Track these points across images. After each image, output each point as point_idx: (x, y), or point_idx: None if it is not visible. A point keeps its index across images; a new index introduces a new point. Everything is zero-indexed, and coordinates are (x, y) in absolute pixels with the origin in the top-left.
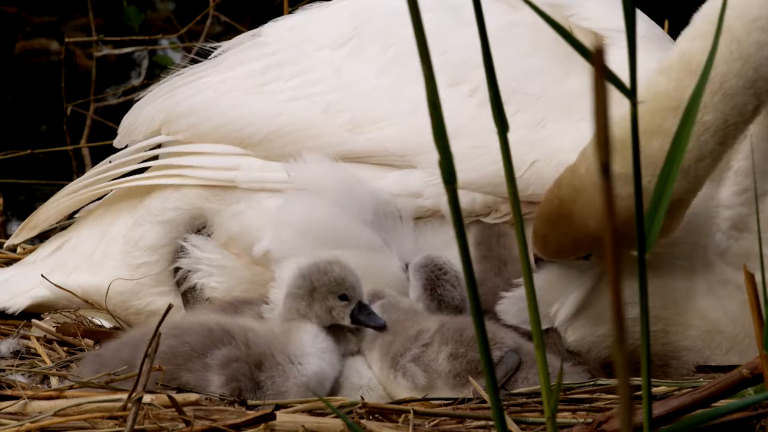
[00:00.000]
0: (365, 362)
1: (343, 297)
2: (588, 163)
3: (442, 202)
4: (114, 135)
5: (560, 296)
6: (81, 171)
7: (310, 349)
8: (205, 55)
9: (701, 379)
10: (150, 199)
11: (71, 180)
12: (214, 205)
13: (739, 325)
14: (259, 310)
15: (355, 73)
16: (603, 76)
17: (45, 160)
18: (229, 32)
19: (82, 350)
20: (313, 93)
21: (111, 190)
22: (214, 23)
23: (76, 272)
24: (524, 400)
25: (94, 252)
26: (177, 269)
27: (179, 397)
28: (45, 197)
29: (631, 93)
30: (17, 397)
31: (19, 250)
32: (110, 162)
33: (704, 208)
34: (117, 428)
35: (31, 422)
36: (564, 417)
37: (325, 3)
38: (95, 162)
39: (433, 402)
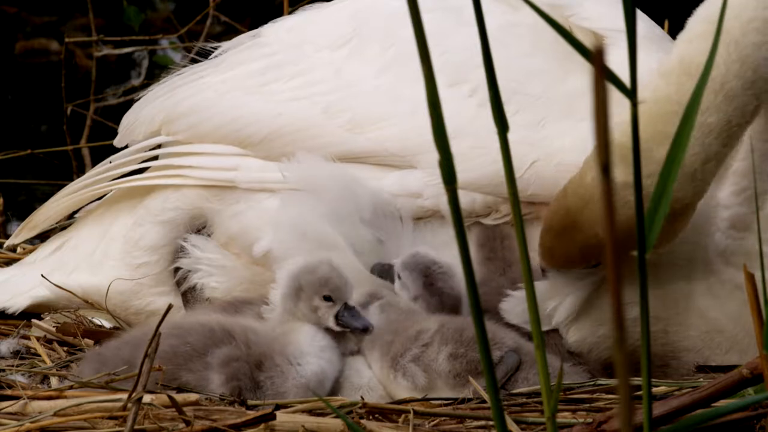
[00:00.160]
0: (365, 362)
1: (328, 298)
2: (594, 172)
3: (442, 202)
4: (114, 135)
5: (561, 296)
6: (81, 171)
7: (309, 349)
8: (205, 55)
9: (701, 379)
10: (150, 199)
11: (71, 180)
12: (214, 205)
13: (738, 325)
14: (259, 310)
15: (355, 74)
16: (603, 76)
17: (45, 160)
18: (229, 32)
19: (82, 350)
20: (313, 93)
21: (111, 190)
22: (214, 23)
23: (76, 272)
24: (524, 400)
25: (94, 252)
26: (177, 269)
27: (179, 397)
28: (45, 197)
29: (631, 93)
30: (17, 397)
31: (19, 250)
32: (110, 162)
33: (704, 208)
34: (117, 428)
35: (31, 422)
36: (564, 417)
37: (325, 3)
38: (95, 162)
39: (433, 402)
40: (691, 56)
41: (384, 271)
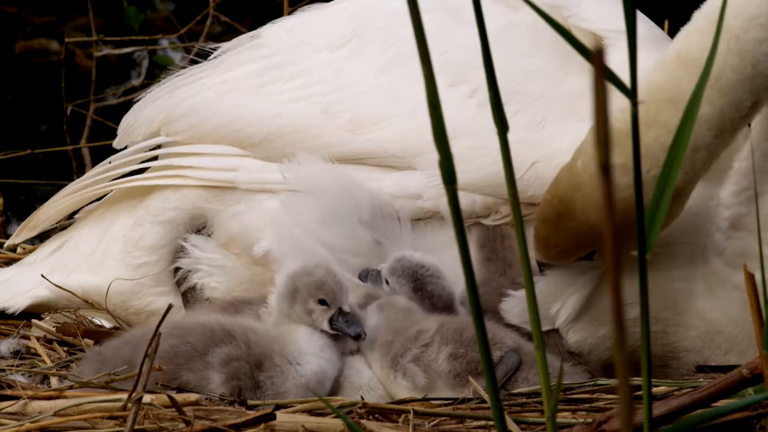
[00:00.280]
0: (365, 361)
1: (323, 302)
2: (584, 157)
3: (442, 203)
4: (114, 135)
5: (562, 297)
6: (81, 171)
7: (308, 348)
8: (204, 55)
9: (701, 379)
10: (150, 200)
11: (71, 180)
12: (214, 205)
13: (738, 326)
14: (259, 310)
15: (355, 74)
16: (603, 76)
17: (45, 160)
18: (229, 32)
19: (82, 350)
20: (312, 94)
21: (111, 191)
22: (214, 23)
23: (76, 272)
24: (524, 400)
25: (94, 252)
26: (177, 269)
27: (179, 397)
28: (45, 197)
29: (631, 93)
30: (17, 397)
31: (19, 250)
32: (110, 162)
33: (704, 208)
34: (117, 428)
35: (31, 422)
36: (564, 417)
37: (325, 4)
38: (95, 162)
39: (433, 402)
40: (689, 50)
41: (371, 278)
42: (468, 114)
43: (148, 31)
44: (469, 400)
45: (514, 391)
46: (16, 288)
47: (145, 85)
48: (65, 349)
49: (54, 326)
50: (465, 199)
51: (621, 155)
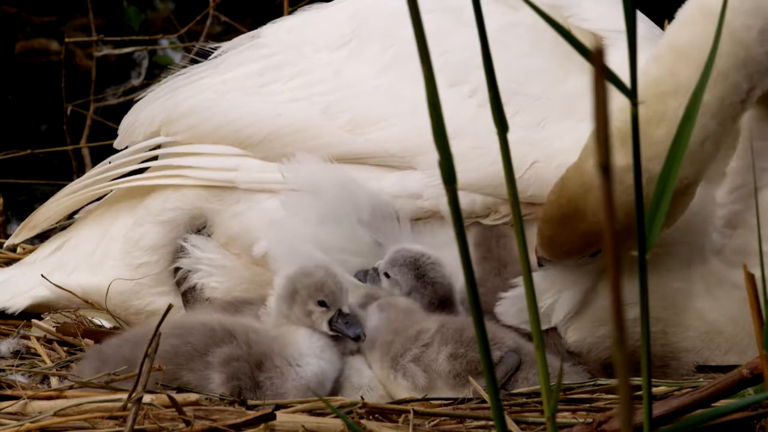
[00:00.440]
0: (365, 362)
1: (323, 303)
2: (594, 159)
3: (442, 203)
4: (114, 135)
5: (552, 292)
6: (81, 171)
7: (308, 350)
8: (204, 55)
9: (701, 379)
10: (150, 199)
11: (71, 180)
12: (215, 205)
13: (738, 325)
14: (259, 310)
15: (355, 74)
16: (603, 76)
17: (45, 160)
18: (229, 32)
19: (82, 350)
20: (312, 94)
21: (111, 191)
22: (214, 23)
23: (76, 272)
24: (524, 400)
25: (94, 252)
26: (177, 269)
27: (179, 397)
28: (45, 197)
29: (631, 93)
30: (17, 397)
31: (19, 250)
32: (110, 162)
33: (701, 208)
34: (117, 428)
35: (31, 422)
36: (564, 417)
37: (325, 4)
38: (95, 162)
39: (433, 402)
40: (681, 39)
41: (368, 277)
42: (468, 114)
43: (148, 31)
44: (469, 400)
45: (514, 391)
46: (16, 288)
47: (145, 85)
48: (65, 349)
49: (54, 326)
50: (465, 199)
51: (625, 156)
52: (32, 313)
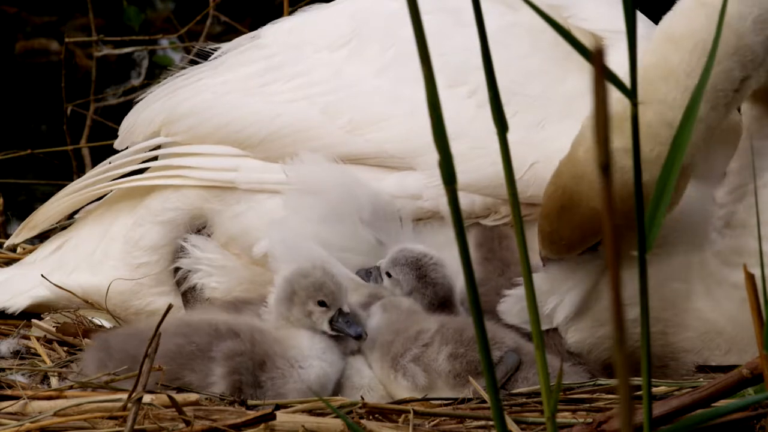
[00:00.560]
0: (366, 362)
1: (322, 303)
2: (586, 145)
3: (442, 203)
4: (114, 135)
5: (557, 294)
6: (81, 171)
7: (310, 352)
8: (204, 55)
9: (701, 379)
10: (150, 200)
11: (71, 180)
12: (215, 205)
13: (738, 326)
14: (259, 310)
15: (355, 74)
16: (603, 76)
17: (45, 160)
18: (229, 32)
19: (82, 350)
20: (312, 94)
21: (111, 191)
22: (214, 23)
23: (76, 272)
24: (524, 400)
25: (94, 252)
26: (177, 269)
27: (179, 397)
28: (45, 197)
29: (631, 93)
30: (17, 397)
31: (19, 250)
32: (110, 162)
33: (700, 209)
34: (117, 428)
35: (31, 422)
36: (564, 417)
37: (325, 4)
38: (95, 162)
39: (433, 402)
40: (673, 28)
41: (369, 276)
42: (467, 114)
43: (148, 31)
44: (469, 400)
45: (514, 391)
46: (16, 288)
47: (145, 85)
48: (65, 349)
49: (54, 326)
50: (464, 200)
51: (621, 138)
52: (32, 313)
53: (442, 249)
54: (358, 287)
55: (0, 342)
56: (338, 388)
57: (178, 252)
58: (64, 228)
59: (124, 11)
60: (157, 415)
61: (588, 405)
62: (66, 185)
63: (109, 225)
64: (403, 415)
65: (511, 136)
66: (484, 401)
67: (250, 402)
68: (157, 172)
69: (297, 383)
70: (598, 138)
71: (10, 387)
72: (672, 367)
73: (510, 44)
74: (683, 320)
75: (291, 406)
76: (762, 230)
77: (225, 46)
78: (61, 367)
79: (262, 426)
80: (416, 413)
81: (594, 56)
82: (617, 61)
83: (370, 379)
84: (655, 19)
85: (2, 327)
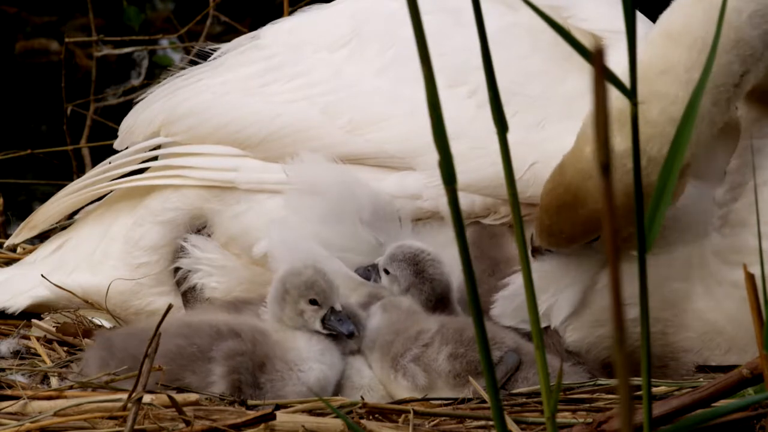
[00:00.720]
0: (366, 362)
1: (314, 302)
2: (592, 143)
3: (442, 203)
4: (114, 135)
5: (552, 292)
6: (81, 171)
7: (308, 354)
8: (204, 56)
9: (701, 379)
10: (150, 199)
11: (71, 180)
12: (215, 205)
13: (737, 325)
14: (259, 310)
15: (355, 74)
16: (603, 76)
17: (45, 160)
18: (229, 32)
19: (82, 350)
20: (312, 94)
21: (111, 191)
22: (214, 23)
23: (76, 272)
24: (524, 400)
25: (94, 252)
26: (177, 269)
27: (179, 397)
28: (45, 197)
29: (631, 93)
30: (17, 397)
31: (19, 250)
32: (110, 162)
33: (700, 209)
34: (117, 428)
35: (31, 422)
36: (564, 417)
37: (325, 4)
38: (95, 162)
39: (433, 402)
40: (672, 24)
41: (367, 273)
42: (467, 115)
43: (148, 31)
44: (469, 400)
45: (514, 391)
46: (16, 288)
47: (145, 85)
48: (65, 349)
49: (54, 326)
50: (464, 200)
51: (625, 139)
52: (32, 313)
53: (441, 249)
54: (357, 287)
55: (0, 342)
56: (338, 388)
57: (178, 252)
58: (64, 228)
59: (124, 11)
60: (157, 415)
61: (588, 405)
62: (66, 185)
63: (109, 225)
64: (403, 415)
65: (511, 137)
66: (484, 401)
67: (250, 402)
68: (157, 172)
69: (296, 386)
70: (598, 138)
71: (10, 387)
72: (672, 367)
73: (510, 44)
74: (683, 320)
75: (291, 406)
76: (762, 228)
77: (225, 46)
78: (61, 367)
79: (262, 426)
80: (416, 413)
81: (594, 57)
82: (617, 61)
83: (370, 379)
84: (655, 19)
85: (2, 327)
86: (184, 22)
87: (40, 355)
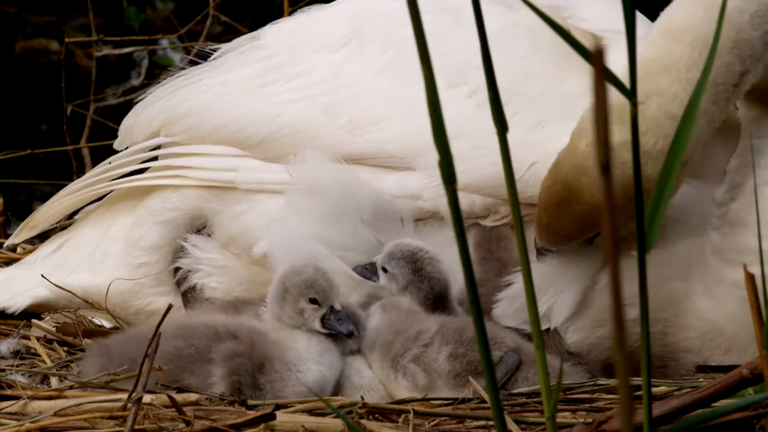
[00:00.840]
0: (366, 362)
1: (314, 301)
2: (587, 139)
3: (442, 203)
4: (114, 135)
5: (553, 293)
6: (81, 171)
7: (307, 354)
8: (204, 56)
9: (701, 379)
10: (150, 199)
11: (71, 180)
12: (215, 205)
13: (738, 325)
14: (259, 310)
15: (355, 74)
16: (603, 76)
17: (45, 160)
18: (229, 32)
19: (82, 350)
20: (312, 94)
21: (111, 191)
22: (214, 23)
23: (76, 272)
24: (524, 400)
25: (94, 252)
26: (177, 269)
27: (179, 397)
28: (45, 197)
29: (630, 94)
30: (17, 397)
31: (19, 250)
32: (110, 163)
33: (700, 209)
34: (117, 428)
35: (31, 422)
36: (564, 417)
37: (325, 4)
38: (95, 162)
39: (433, 402)
40: (673, 22)
41: (365, 271)
42: (467, 115)
43: (148, 31)
44: (469, 400)
45: (514, 391)
46: (16, 288)
47: (145, 85)
48: (65, 349)
49: (54, 326)
50: (464, 200)
51: (622, 132)
52: (32, 313)
53: (441, 249)
54: (357, 286)
55: (0, 342)
56: (338, 388)
57: (178, 252)
58: (64, 228)
59: (124, 11)
60: (157, 415)
61: (588, 405)
62: (66, 185)
63: (109, 225)
64: (403, 415)
65: (511, 137)
66: (484, 401)
67: (250, 402)
68: (156, 172)
69: (295, 386)
70: (598, 138)
71: (10, 387)
72: (672, 367)
73: (510, 45)
74: (683, 320)
75: (291, 406)
76: (762, 228)
77: (225, 46)
78: (61, 368)
79: (262, 426)
80: (416, 413)
81: (594, 57)
82: (617, 61)
83: (370, 379)
84: (655, 19)
85: (2, 327)
86: (184, 22)
87: (40, 355)
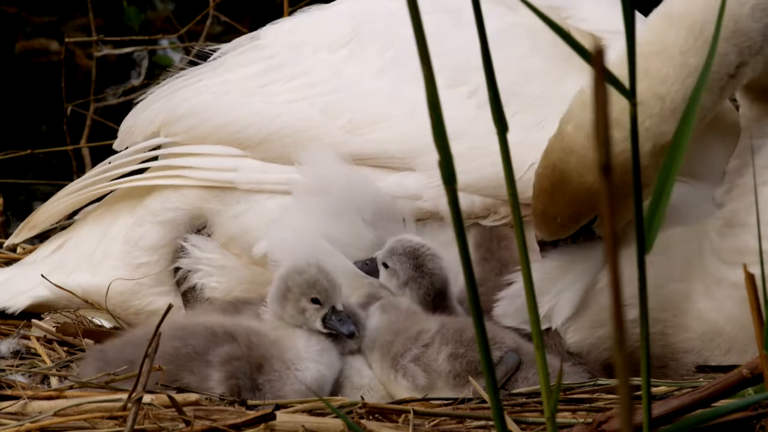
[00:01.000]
0: (366, 362)
1: (316, 300)
2: (574, 121)
3: (441, 204)
4: (114, 135)
5: (554, 293)
6: (81, 171)
7: (306, 354)
8: (204, 56)
9: (701, 379)
10: (150, 199)
11: (71, 180)
12: (215, 205)
13: (737, 325)
14: (259, 310)
15: (355, 74)
16: (603, 76)
17: (45, 160)
18: (229, 32)
19: (82, 350)
20: (312, 94)
21: (111, 191)
22: (214, 23)
23: (76, 272)
24: (524, 400)
25: (94, 252)
26: (177, 269)
27: (179, 397)
28: (45, 197)
29: (630, 94)
30: (17, 397)
31: (19, 250)
32: (110, 163)
33: (700, 209)
34: (117, 428)
35: (31, 422)
36: (564, 417)
37: (325, 4)
38: (95, 162)
39: (433, 402)
40: (674, 7)
41: (366, 266)
42: (467, 115)
43: (148, 31)
44: (469, 400)
45: (514, 391)
46: (16, 288)
47: (145, 85)
48: (65, 349)
49: (54, 326)
50: (464, 200)
51: (618, 110)
52: (32, 313)
53: (442, 249)
54: (360, 286)
55: (0, 342)
56: (338, 388)
57: (178, 252)
58: (64, 228)
59: (124, 11)
60: (157, 415)
61: (588, 405)
62: (66, 185)
63: (109, 225)
64: (403, 415)
65: (511, 137)
66: (484, 401)
67: (250, 402)
68: (156, 172)
69: (294, 385)
70: (598, 138)
71: (10, 387)
72: (672, 367)
73: (510, 45)
74: (683, 321)
75: (291, 406)
76: (762, 228)
77: (225, 46)
78: (61, 368)
79: (262, 426)
80: (416, 413)
81: (594, 57)
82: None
83: (370, 379)
84: None
85: (2, 327)
86: (184, 22)
87: (40, 355)
